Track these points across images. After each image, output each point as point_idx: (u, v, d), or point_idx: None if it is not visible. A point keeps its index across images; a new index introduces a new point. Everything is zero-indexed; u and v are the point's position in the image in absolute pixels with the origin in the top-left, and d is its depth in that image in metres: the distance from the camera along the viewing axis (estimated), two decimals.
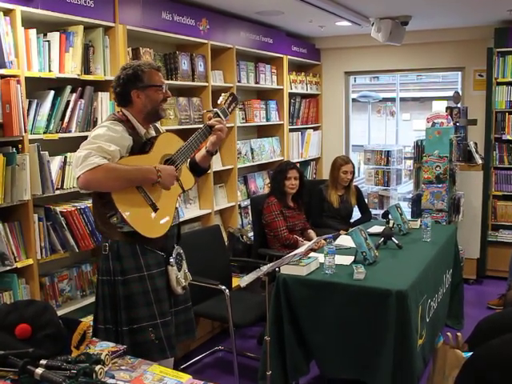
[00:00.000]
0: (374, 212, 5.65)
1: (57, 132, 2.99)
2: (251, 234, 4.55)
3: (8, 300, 2.69)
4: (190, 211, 4.25)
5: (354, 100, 7.76)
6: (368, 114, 15.74)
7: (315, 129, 6.20)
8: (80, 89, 3.09)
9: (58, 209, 2.94)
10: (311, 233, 4.31)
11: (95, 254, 3.28)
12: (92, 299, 2.95)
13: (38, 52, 2.87)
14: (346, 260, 3.12)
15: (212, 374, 3.53)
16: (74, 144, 2.97)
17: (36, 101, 2.88)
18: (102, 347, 1.87)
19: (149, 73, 2.39)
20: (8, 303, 2.43)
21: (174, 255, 2.46)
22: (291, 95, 5.64)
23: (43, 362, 1.59)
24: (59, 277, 3.06)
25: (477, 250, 5.17)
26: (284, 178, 4.14)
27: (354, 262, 3.08)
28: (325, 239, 3.00)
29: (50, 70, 2.95)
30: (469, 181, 5.13)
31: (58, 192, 2.95)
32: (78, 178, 2.20)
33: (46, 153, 2.84)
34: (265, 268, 2.54)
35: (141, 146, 2.38)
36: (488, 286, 5.11)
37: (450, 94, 5.72)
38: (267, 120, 5.23)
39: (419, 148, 5.01)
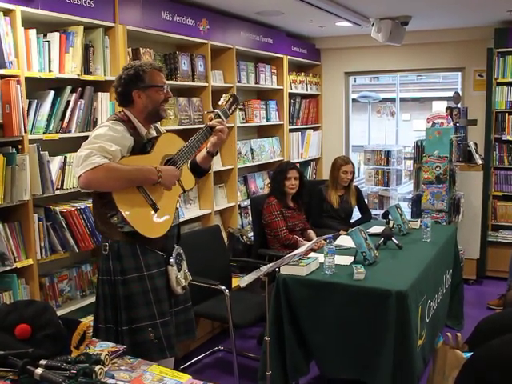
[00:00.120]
0: (373, 212, 5.65)
1: (57, 132, 2.99)
2: (251, 234, 4.55)
3: (8, 300, 2.69)
4: (190, 211, 4.25)
5: (354, 100, 7.76)
6: (368, 114, 15.74)
7: (315, 129, 6.20)
8: (80, 89, 3.09)
9: (58, 209, 2.94)
10: (311, 233, 4.31)
11: (95, 254, 3.28)
12: (92, 299, 2.96)
13: (38, 52, 2.87)
14: (346, 260, 3.12)
15: (212, 374, 3.53)
16: (73, 144, 2.98)
17: (36, 101, 2.88)
18: (102, 347, 1.87)
19: (150, 73, 2.39)
20: (8, 303, 2.42)
21: (173, 255, 2.46)
22: (291, 95, 5.64)
23: (43, 362, 1.59)
24: (59, 277, 3.06)
25: (477, 250, 5.17)
26: (284, 178, 4.14)
27: (354, 262, 3.08)
28: (325, 239, 3.00)
29: (50, 71, 2.95)
30: (469, 181, 5.13)
31: (57, 192, 2.95)
32: (78, 178, 2.21)
33: (46, 153, 2.84)
34: (265, 268, 2.54)
35: (142, 146, 2.38)
36: (488, 286, 5.11)
37: (450, 94, 5.73)
38: (267, 120, 5.23)
39: (419, 148, 5.01)
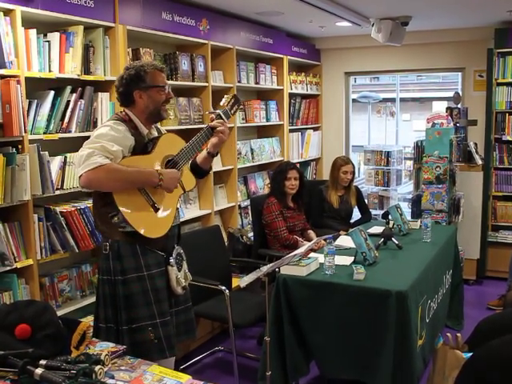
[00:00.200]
0: (373, 212, 5.65)
1: (57, 132, 2.98)
2: (251, 234, 4.55)
3: (8, 300, 2.69)
4: (190, 211, 4.25)
5: (354, 100, 7.76)
6: (368, 114, 15.74)
7: (315, 129, 6.20)
8: (80, 89, 3.09)
9: (58, 209, 2.94)
10: (311, 233, 4.31)
11: (95, 255, 3.28)
12: (92, 299, 2.96)
13: (38, 52, 2.87)
14: (346, 260, 3.12)
15: (212, 375, 3.53)
16: (73, 144, 2.98)
17: (36, 101, 2.88)
18: (102, 347, 1.87)
19: (151, 73, 2.39)
20: (8, 303, 2.43)
21: (174, 255, 2.46)
22: (291, 95, 5.64)
23: (43, 362, 1.59)
24: (59, 277, 3.06)
25: (477, 250, 5.17)
26: (284, 178, 4.14)
27: (354, 262, 3.07)
28: (325, 240, 3.00)
29: (50, 71, 2.95)
30: (469, 181, 5.13)
31: (57, 192, 2.95)
32: (79, 177, 2.21)
33: (46, 153, 2.84)
34: (265, 268, 2.54)
35: (143, 147, 2.38)
36: (488, 286, 5.11)
37: (450, 94, 5.73)
38: (267, 120, 5.23)
39: (419, 148, 5.01)
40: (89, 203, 3.07)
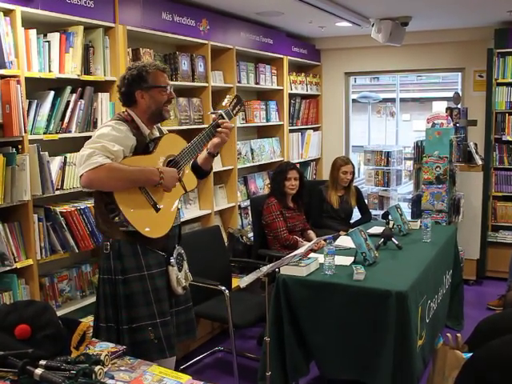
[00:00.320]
0: (373, 213, 5.65)
1: (57, 132, 2.98)
2: (251, 234, 4.55)
3: (8, 300, 2.69)
4: (190, 212, 4.24)
5: (354, 100, 7.76)
6: (368, 114, 15.74)
7: (315, 129, 6.20)
8: (80, 89, 3.09)
9: (58, 209, 2.94)
10: (311, 233, 4.31)
11: (95, 255, 3.28)
12: (92, 299, 2.96)
13: (38, 52, 2.87)
14: (346, 261, 3.12)
15: (212, 375, 3.53)
16: (73, 144, 2.99)
17: (36, 101, 2.88)
18: (102, 348, 1.87)
19: (153, 74, 2.39)
20: (8, 303, 2.43)
21: (174, 255, 2.46)
22: (291, 96, 5.64)
23: (43, 362, 1.59)
24: (59, 277, 3.06)
25: (477, 250, 5.17)
26: (284, 178, 4.14)
27: (354, 262, 3.07)
28: (325, 240, 3.00)
29: (49, 71, 2.95)
30: (469, 181, 5.13)
31: (57, 192, 2.95)
32: (80, 177, 2.21)
33: (46, 153, 2.84)
34: (265, 269, 2.54)
35: (144, 147, 2.38)
36: (488, 286, 5.11)
37: (450, 94, 5.73)
38: (267, 120, 5.23)
39: (419, 149, 5.01)
40: (89, 203, 3.07)
